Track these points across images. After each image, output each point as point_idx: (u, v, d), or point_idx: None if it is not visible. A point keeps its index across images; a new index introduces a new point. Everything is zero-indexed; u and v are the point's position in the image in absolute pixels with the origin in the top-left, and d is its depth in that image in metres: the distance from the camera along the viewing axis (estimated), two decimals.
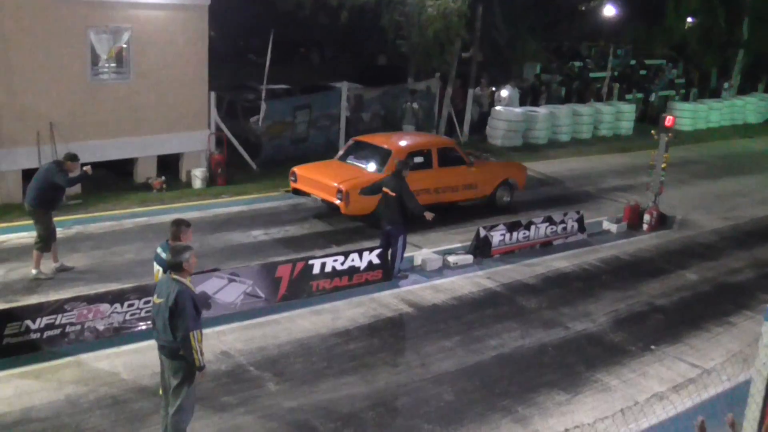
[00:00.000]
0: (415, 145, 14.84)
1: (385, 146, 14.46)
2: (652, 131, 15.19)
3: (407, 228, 11.88)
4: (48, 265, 11.13)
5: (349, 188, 13.37)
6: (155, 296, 6.84)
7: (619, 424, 6.09)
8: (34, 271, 10.95)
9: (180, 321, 6.48)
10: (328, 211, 14.45)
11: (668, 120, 14.75)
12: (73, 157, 11.07)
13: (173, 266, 6.69)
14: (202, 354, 6.62)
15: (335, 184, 13.53)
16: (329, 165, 14.90)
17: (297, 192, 14.68)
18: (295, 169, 14.63)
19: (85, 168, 11.10)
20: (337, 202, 13.47)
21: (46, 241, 10.96)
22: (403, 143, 14.84)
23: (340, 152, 15.38)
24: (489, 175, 15.67)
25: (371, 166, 14.21)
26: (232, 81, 22.16)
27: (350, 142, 15.42)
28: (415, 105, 20.72)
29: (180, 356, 6.64)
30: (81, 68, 14.70)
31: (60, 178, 10.79)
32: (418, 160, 14.25)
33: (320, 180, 14.04)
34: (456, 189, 14.88)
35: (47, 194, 10.87)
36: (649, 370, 9.40)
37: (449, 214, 14.88)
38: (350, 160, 14.68)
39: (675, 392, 8.45)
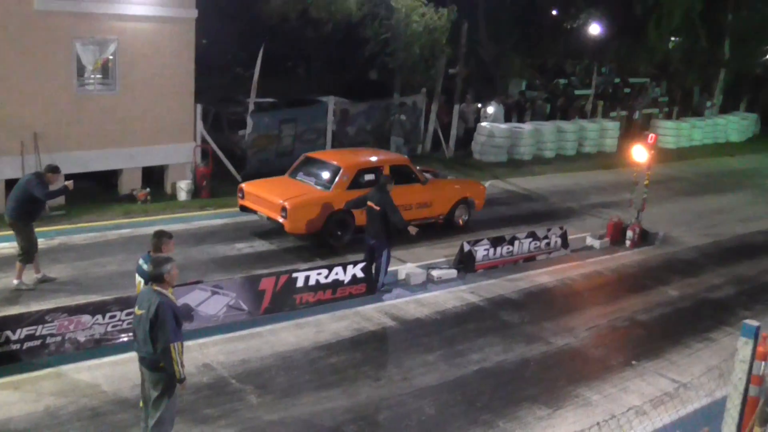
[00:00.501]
0: (365, 162, 14.38)
1: (335, 163, 14.05)
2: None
3: (391, 242, 11.90)
4: (30, 276, 11.06)
5: (293, 206, 13.01)
6: (136, 307, 6.82)
7: None
8: (15, 282, 10.88)
9: (160, 333, 6.46)
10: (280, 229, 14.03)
11: (650, 138, 14.89)
12: (54, 169, 11.00)
13: (154, 277, 6.67)
14: (182, 366, 6.59)
15: (280, 201, 13.15)
16: (277, 181, 14.48)
17: (244, 209, 14.25)
18: (243, 185, 14.29)
19: (66, 183, 11.03)
20: (281, 219, 13.11)
21: (29, 253, 10.89)
22: (353, 160, 14.36)
23: (291, 168, 14.86)
24: (445, 194, 15.22)
25: (320, 183, 13.81)
26: (218, 94, 22.16)
27: (301, 157, 14.93)
28: (403, 117, 20.78)
29: (160, 368, 6.61)
30: (67, 79, 14.68)
31: (39, 190, 10.70)
32: (369, 177, 13.85)
33: (266, 197, 13.63)
34: (409, 208, 14.09)
35: (27, 206, 10.79)
36: (630, 386, 9.44)
37: (432, 229, 14.94)
38: (300, 177, 14.24)
39: (653, 407, 8.48)
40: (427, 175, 15.34)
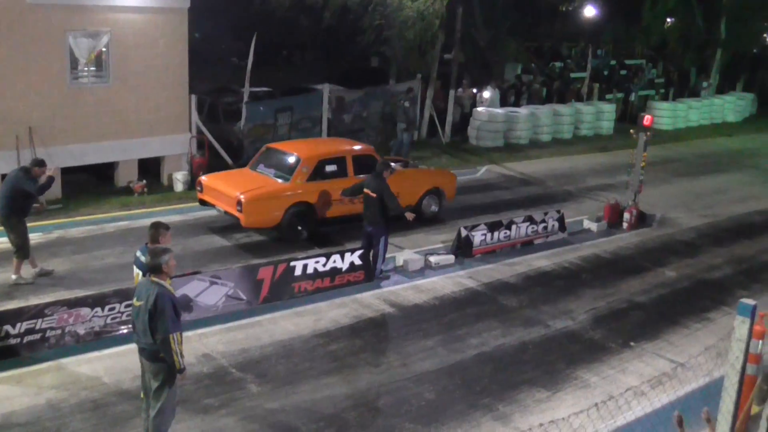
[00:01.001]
0: (326, 152, 13.87)
1: (295, 154, 13.54)
2: (632, 130, 15.33)
3: (388, 229, 11.92)
4: (28, 270, 11.07)
5: (249, 199, 12.55)
6: (135, 299, 6.83)
7: (594, 419, 6.15)
8: (14, 277, 10.90)
9: (159, 323, 6.48)
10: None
11: (646, 119, 14.88)
12: (40, 163, 10.96)
13: (152, 268, 6.68)
14: (182, 356, 6.61)
15: (235, 195, 12.67)
16: (237, 174, 14.16)
17: (203, 203, 13.77)
18: (202, 178, 13.87)
19: (49, 172, 10.96)
20: (237, 213, 12.67)
21: (23, 249, 10.87)
22: (313, 150, 13.88)
23: (252, 159, 14.45)
24: (412, 184, 14.55)
25: (279, 175, 13.34)
26: (213, 84, 22.13)
27: (263, 148, 14.45)
28: (407, 103, 20.64)
29: (160, 359, 6.64)
30: (60, 72, 14.65)
31: (29, 185, 10.66)
32: (331, 168, 13.47)
33: (223, 190, 13.15)
34: None
35: (17, 202, 10.73)
36: (629, 367, 9.50)
37: (433, 216, 14.95)
38: (260, 169, 13.73)
39: (652, 388, 8.53)
40: (396, 165, 14.66)
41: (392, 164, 14.61)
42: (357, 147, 14.66)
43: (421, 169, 15.85)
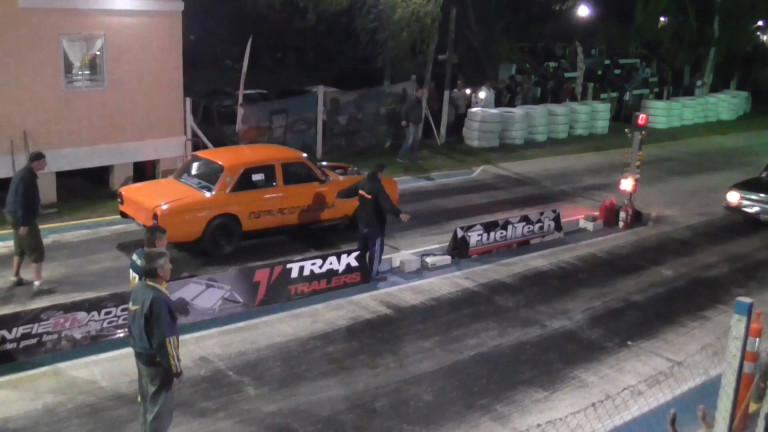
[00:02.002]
0: (252, 160, 12.99)
1: (219, 162, 12.69)
2: (626, 129, 15.37)
3: (384, 230, 11.92)
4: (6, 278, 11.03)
5: (164, 212, 11.63)
6: (131, 303, 6.81)
7: (592, 419, 6.16)
8: (36, 283, 10.90)
9: (156, 327, 6.46)
10: None
11: (641, 118, 14.91)
12: (38, 156, 10.88)
13: (148, 272, 6.66)
14: (179, 360, 6.59)
15: (152, 207, 11.76)
16: (159, 184, 13.50)
17: (124, 216, 12.84)
18: (123, 189, 13.05)
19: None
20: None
21: (39, 250, 10.85)
22: (239, 159, 13.03)
23: (179, 168, 13.64)
24: None
25: (203, 185, 12.49)
26: (208, 87, 22.12)
27: (189, 156, 13.78)
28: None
29: (156, 363, 6.62)
30: (54, 76, 14.62)
31: (32, 183, 10.67)
32: (258, 177, 12.68)
33: (141, 202, 12.23)
34: (306, 209, 13.07)
35: (31, 203, 10.68)
36: (626, 366, 9.50)
37: (426, 216, 14.96)
38: (184, 179, 12.91)
39: (649, 387, 8.54)
40: (338, 171, 14.36)
41: (338, 170, 14.36)
42: (287, 154, 13.81)
43: (358, 177, 13.93)
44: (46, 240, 12.63)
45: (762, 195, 15.48)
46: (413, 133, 20.14)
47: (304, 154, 13.77)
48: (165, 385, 6.70)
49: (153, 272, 6.64)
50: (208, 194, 12.22)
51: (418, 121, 20.24)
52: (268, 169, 12.82)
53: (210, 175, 12.59)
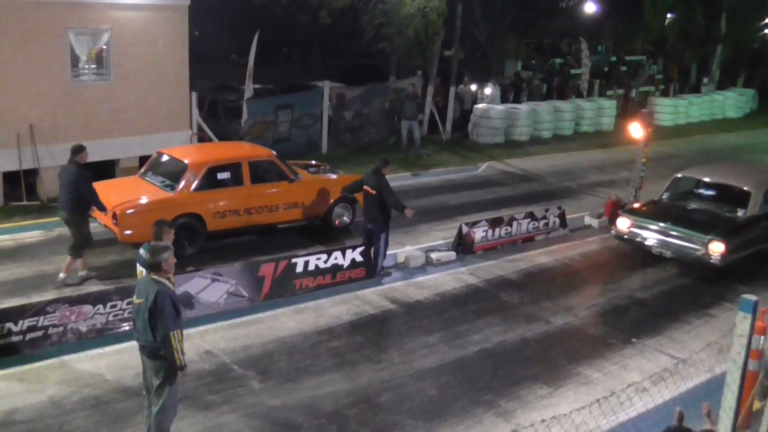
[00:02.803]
0: (217, 158, 12.58)
1: (183, 160, 12.30)
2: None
3: (389, 225, 11.92)
4: (72, 273, 11.05)
5: (123, 212, 11.32)
6: (135, 297, 6.83)
7: (596, 415, 6.16)
8: (82, 273, 11.01)
9: (160, 321, 6.47)
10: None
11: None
12: (80, 148, 10.96)
13: (152, 266, 6.67)
14: (183, 353, 6.60)
15: (112, 206, 11.36)
16: (122, 183, 13.02)
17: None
18: None
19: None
20: (114, 227, 11.48)
21: (80, 247, 10.91)
22: (203, 157, 12.62)
23: (144, 166, 13.20)
24: (320, 192, 13.26)
25: (166, 184, 12.13)
26: (214, 81, 22.13)
27: (154, 154, 13.18)
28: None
29: (161, 356, 6.63)
30: (61, 70, 14.64)
31: (88, 181, 10.82)
32: (224, 176, 12.31)
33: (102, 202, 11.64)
34: (275, 209, 12.73)
35: (82, 196, 10.77)
36: (630, 363, 9.49)
37: (432, 211, 14.96)
38: (148, 177, 12.55)
39: (653, 384, 8.53)
40: (311, 170, 14.08)
41: (311, 169, 14.10)
42: (255, 152, 13.37)
43: (332, 177, 13.88)
44: (53, 233, 12.76)
45: (660, 224, 12.60)
46: (407, 129, 19.98)
47: (274, 153, 13.37)
48: (169, 379, 6.72)
49: (157, 266, 6.65)
50: (171, 193, 11.85)
51: (411, 116, 19.99)
52: (234, 168, 12.43)
53: (174, 174, 12.18)
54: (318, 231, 13.55)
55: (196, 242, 12.02)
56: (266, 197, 12.62)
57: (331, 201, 13.42)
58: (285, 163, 13.12)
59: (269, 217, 12.77)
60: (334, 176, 13.90)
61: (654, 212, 13.11)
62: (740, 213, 12.75)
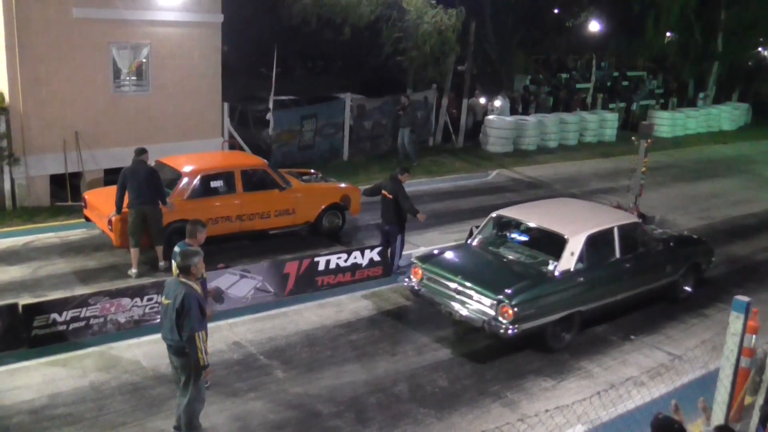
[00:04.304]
0: (210, 167, 12.23)
1: (177, 168, 12.01)
2: (633, 137, 15.23)
3: (404, 228, 11.91)
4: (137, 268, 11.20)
5: (119, 218, 11.08)
6: (163, 297, 6.84)
7: (597, 407, 6.14)
8: (162, 264, 11.23)
9: (186, 322, 6.46)
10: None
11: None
12: (144, 150, 11.18)
13: (182, 269, 6.67)
14: (206, 353, 6.57)
15: (107, 212, 11.27)
16: None
17: (87, 220, 12.47)
18: (86, 194, 12.49)
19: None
20: (109, 233, 11.31)
21: (163, 235, 11.11)
22: (196, 165, 12.16)
23: None
24: (310, 200, 13.03)
25: None
26: (243, 92, 22.21)
27: (153, 162, 12.49)
28: (400, 112, 20.54)
29: (185, 353, 6.63)
30: (104, 81, 14.78)
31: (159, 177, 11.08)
32: (216, 184, 12.02)
33: (100, 207, 11.71)
34: (266, 216, 12.46)
35: (157, 193, 10.98)
36: (629, 358, 9.44)
37: (443, 215, 14.94)
38: None
39: (651, 378, 8.48)
40: (304, 178, 13.77)
41: (305, 177, 13.81)
42: (247, 161, 13.14)
43: (322, 185, 13.66)
44: (95, 232, 12.82)
45: (452, 276, 9.56)
46: (401, 136, 20.30)
47: (266, 162, 13.14)
48: (194, 376, 6.71)
49: (187, 269, 6.66)
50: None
51: (404, 125, 20.23)
52: (226, 176, 12.12)
53: (170, 182, 11.80)
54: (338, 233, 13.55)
55: None
56: (258, 204, 12.35)
57: (322, 208, 13.20)
58: (277, 172, 12.89)
59: (261, 223, 12.50)
60: (325, 184, 13.71)
61: (450, 261, 10.07)
62: (551, 267, 9.47)
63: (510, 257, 10.00)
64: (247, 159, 13.72)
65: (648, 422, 4.89)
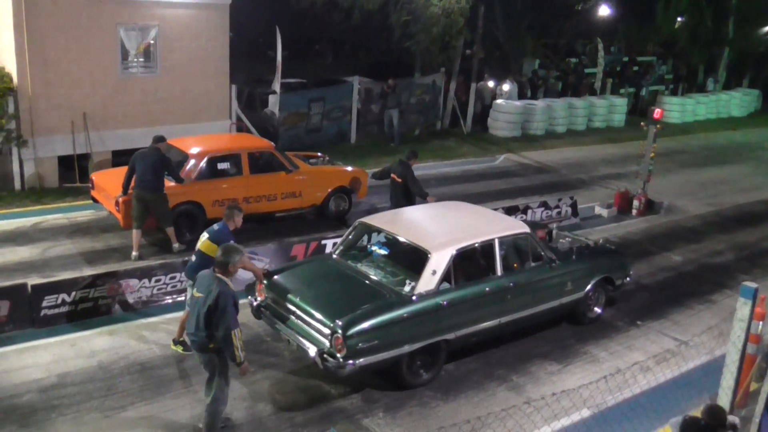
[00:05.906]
0: (218, 149, 12.20)
1: (184, 150, 11.97)
2: (642, 123, 15.16)
3: None
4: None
5: (127, 199, 11.05)
6: (195, 290, 6.68)
7: (603, 391, 6.15)
8: (176, 246, 11.29)
9: (222, 320, 6.29)
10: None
11: (656, 112, 14.68)
12: (162, 138, 11.17)
13: (220, 264, 6.49)
14: (242, 350, 6.42)
15: (114, 194, 11.24)
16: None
17: (95, 201, 12.42)
18: (94, 175, 12.47)
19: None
20: (117, 213, 11.31)
21: (171, 217, 11.17)
22: (204, 147, 12.08)
23: None
24: (317, 182, 13.00)
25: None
26: (251, 75, 22.18)
27: None
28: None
29: (208, 349, 6.52)
30: (112, 62, 14.76)
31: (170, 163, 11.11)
32: (223, 166, 12.00)
33: (107, 188, 11.69)
34: (273, 198, 12.45)
35: (162, 176, 11.00)
36: (635, 344, 9.43)
37: (454, 200, 14.90)
38: None
39: (657, 363, 8.50)
40: (311, 161, 13.69)
41: (312, 160, 13.79)
42: (254, 144, 13.14)
43: (329, 168, 13.61)
44: (102, 213, 12.85)
45: (290, 297, 8.06)
46: (386, 117, 20.44)
47: (272, 144, 13.10)
48: (221, 373, 6.64)
49: (225, 266, 6.49)
50: (171, 182, 11.30)
51: (392, 106, 20.35)
52: (233, 158, 12.10)
53: (176, 164, 11.64)
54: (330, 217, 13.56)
55: (195, 228, 11.42)
56: (265, 187, 12.33)
57: (329, 191, 13.17)
58: (284, 155, 12.82)
59: (267, 205, 12.49)
60: (332, 167, 13.66)
61: (296, 277, 8.50)
62: (407, 288, 7.95)
63: (369, 274, 8.33)
64: (254, 141, 13.73)
65: (654, 407, 4.90)
